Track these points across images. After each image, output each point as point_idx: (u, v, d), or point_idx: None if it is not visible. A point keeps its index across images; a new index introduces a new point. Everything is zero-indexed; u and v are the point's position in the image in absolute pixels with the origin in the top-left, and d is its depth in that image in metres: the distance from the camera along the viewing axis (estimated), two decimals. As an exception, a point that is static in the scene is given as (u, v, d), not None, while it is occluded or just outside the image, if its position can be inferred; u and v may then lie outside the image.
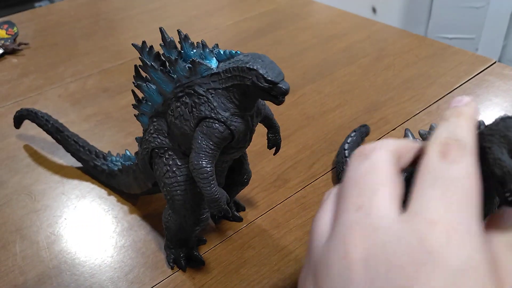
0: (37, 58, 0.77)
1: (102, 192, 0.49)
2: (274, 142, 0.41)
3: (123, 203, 0.47)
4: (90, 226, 0.45)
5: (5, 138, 0.58)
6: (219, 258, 0.41)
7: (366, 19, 0.86)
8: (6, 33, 0.83)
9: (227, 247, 0.42)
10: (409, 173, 0.31)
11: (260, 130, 0.57)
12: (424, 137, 0.30)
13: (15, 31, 0.84)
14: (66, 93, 0.67)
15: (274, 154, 0.42)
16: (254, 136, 0.54)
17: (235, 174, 0.41)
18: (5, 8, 1.74)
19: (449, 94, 0.63)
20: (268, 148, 0.41)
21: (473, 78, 0.66)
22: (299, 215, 0.45)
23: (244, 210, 0.46)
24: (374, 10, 1.78)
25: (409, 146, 0.23)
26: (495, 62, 0.69)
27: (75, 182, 0.51)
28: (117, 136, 0.58)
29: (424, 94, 0.63)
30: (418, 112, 0.59)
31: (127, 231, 0.44)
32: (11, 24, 0.85)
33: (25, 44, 0.81)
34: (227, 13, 0.92)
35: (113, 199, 0.48)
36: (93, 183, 0.50)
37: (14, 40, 0.82)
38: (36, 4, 1.84)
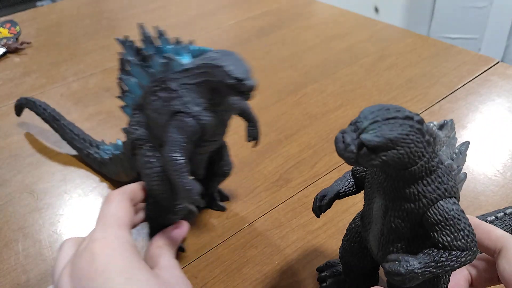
0: (39, 57, 0.78)
1: (105, 191, 0.49)
2: (253, 135, 0.42)
3: (125, 202, 0.47)
4: (92, 225, 0.45)
5: (7, 137, 0.58)
6: (221, 257, 0.41)
7: (368, 18, 0.86)
8: (8, 32, 0.83)
9: (229, 246, 0.42)
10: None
11: (262, 130, 0.57)
12: None
13: (18, 30, 0.84)
14: (68, 92, 0.67)
15: (254, 146, 0.43)
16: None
17: (216, 165, 0.42)
18: (7, 7, 1.74)
19: (452, 94, 0.62)
20: (247, 141, 0.42)
21: (476, 78, 0.66)
22: (302, 215, 0.45)
23: (228, 199, 0.47)
24: (376, 9, 1.78)
25: (137, 188, 0.36)
26: (498, 62, 0.69)
27: (78, 181, 0.51)
28: (120, 135, 0.57)
29: (427, 94, 0.63)
30: (421, 112, 0.59)
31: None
32: (13, 23, 0.85)
33: (27, 43, 0.81)
34: (229, 12, 0.92)
35: (115, 198, 0.48)
36: (95, 181, 0.50)
37: (17, 39, 0.82)
38: (38, 3, 1.84)
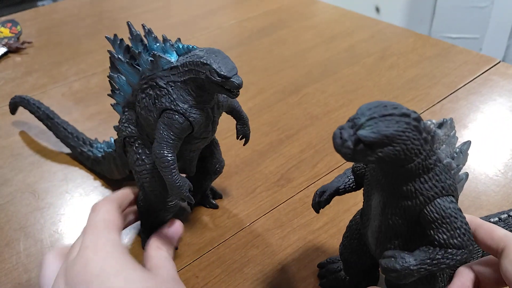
0: (41, 56, 0.78)
1: (106, 190, 0.49)
2: (243, 133, 0.42)
3: (127, 201, 0.48)
4: (93, 225, 0.45)
5: (9, 136, 0.58)
6: (222, 257, 0.41)
7: (369, 18, 0.86)
8: (9, 32, 0.83)
9: (230, 246, 0.42)
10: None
11: (263, 130, 0.57)
12: None
13: (19, 30, 0.84)
14: (69, 92, 0.67)
15: (244, 144, 0.43)
16: (257, 135, 0.54)
17: (207, 163, 0.43)
18: (8, 6, 1.74)
19: (453, 94, 0.62)
20: (237, 139, 0.42)
21: (477, 78, 0.65)
22: (303, 215, 0.45)
23: (221, 197, 0.47)
24: (377, 9, 1.78)
25: (125, 194, 0.37)
26: (499, 62, 0.69)
27: (79, 180, 0.51)
28: (121, 134, 0.58)
29: (428, 94, 0.63)
30: (422, 112, 0.59)
31: (129, 229, 0.44)
32: (14, 23, 0.85)
33: (28, 42, 0.81)
34: (230, 12, 0.92)
35: (116, 197, 0.48)
36: (95, 180, 0.50)
37: (18, 38, 0.82)
38: (40, 3, 1.84)
